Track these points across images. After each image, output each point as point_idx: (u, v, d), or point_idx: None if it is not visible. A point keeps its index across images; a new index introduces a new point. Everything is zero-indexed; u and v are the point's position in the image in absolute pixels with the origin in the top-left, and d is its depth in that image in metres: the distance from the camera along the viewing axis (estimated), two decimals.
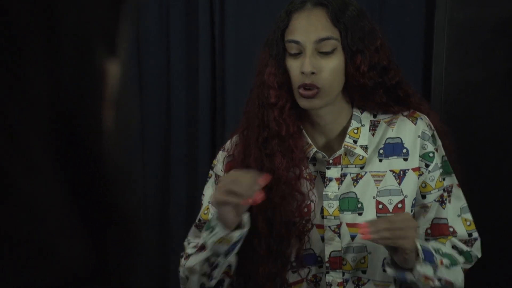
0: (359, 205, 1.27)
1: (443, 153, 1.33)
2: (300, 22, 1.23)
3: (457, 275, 1.27)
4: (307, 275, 1.30)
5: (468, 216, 1.34)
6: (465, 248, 1.32)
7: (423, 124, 1.30)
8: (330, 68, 1.22)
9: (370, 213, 1.26)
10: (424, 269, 1.18)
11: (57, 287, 0.33)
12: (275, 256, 1.28)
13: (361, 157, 1.29)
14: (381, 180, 1.28)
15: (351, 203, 1.27)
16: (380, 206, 1.27)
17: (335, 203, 1.28)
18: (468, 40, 2.04)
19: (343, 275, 1.28)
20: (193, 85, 2.31)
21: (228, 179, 1.18)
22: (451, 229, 1.31)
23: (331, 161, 1.29)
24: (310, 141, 1.30)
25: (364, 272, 1.28)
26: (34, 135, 0.32)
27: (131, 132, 0.42)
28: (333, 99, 1.26)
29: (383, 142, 1.30)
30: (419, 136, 1.29)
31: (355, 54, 1.23)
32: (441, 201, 1.31)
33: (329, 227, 1.28)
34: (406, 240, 1.13)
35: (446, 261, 1.26)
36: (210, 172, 1.40)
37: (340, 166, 1.29)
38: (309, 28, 1.22)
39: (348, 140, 1.29)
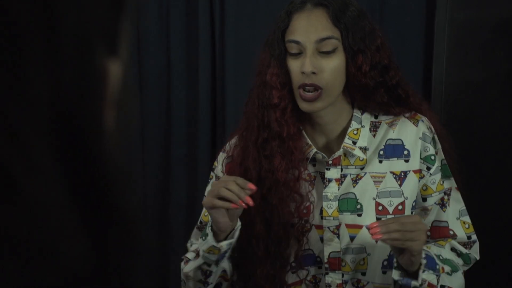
0: (358, 206, 1.27)
1: (443, 156, 1.32)
2: (300, 23, 1.23)
3: (458, 282, 1.27)
4: (306, 276, 1.30)
5: (467, 219, 1.33)
6: (464, 250, 1.32)
7: (424, 126, 1.30)
8: (331, 68, 1.21)
9: (369, 215, 1.26)
10: (428, 275, 1.18)
11: (57, 287, 0.33)
12: (273, 257, 1.27)
13: (361, 158, 1.29)
14: (381, 182, 1.28)
15: (350, 204, 1.27)
16: (380, 207, 1.26)
17: (335, 204, 1.27)
18: (468, 41, 2.04)
19: (342, 276, 1.27)
20: (193, 85, 2.31)
21: (219, 184, 1.18)
22: (451, 232, 1.31)
23: (330, 162, 1.29)
24: (309, 142, 1.30)
25: (363, 274, 1.28)
26: (34, 135, 0.32)
27: (131, 132, 0.42)
28: (334, 99, 1.26)
29: (384, 143, 1.30)
30: (420, 138, 1.29)
31: (357, 54, 1.22)
32: (442, 204, 1.30)
33: (328, 227, 1.27)
34: (415, 242, 1.11)
35: (447, 268, 1.26)
36: (211, 173, 1.40)
37: (339, 167, 1.29)
38: (309, 28, 1.22)
39: (347, 141, 1.28)
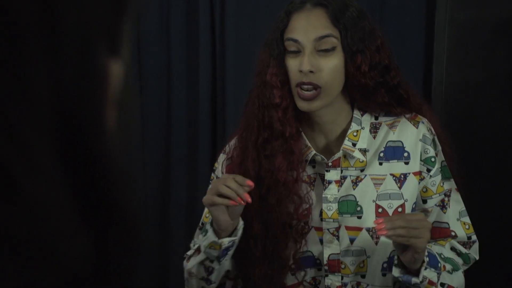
0: (358, 208, 1.26)
1: (443, 158, 1.32)
2: (299, 22, 1.23)
3: (459, 280, 1.27)
4: (303, 278, 1.30)
5: (467, 219, 1.34)
6: (463, 250, 1.32)
7: (424, 128, 1.30)
8: (330, 67, 1.21)
9: (369, 217, 1.26)
10: (428, 273, 1.18)
11: (57, 287, 0.33)
12: (271, 258, 1.27)
13: (361, 160, 1.28)
14: (381, 184, 1.27)
15: (350, 206, 1.27)
16: (380, 210, 1.26)
17: (334, 206, 1.27)
18: (468, 41, 2.04)
19: (342, 278, 1.27)
20: (193, 85, 2.31)
21: (219, 181, 1.19)
22: (453, 233, 1.31)
23: (330, 164, 1.29)
24: (308, 144, 1.30)
25: (363, 276, 1.27)
26: (34, 135, 0.32)
27: (132, 132, 0.42)
28: (333, 99, 1.25)
29: (384, 145, 1.30)
30: (420, 140, 1.29)
31: (355, 54, 1.22)
32: (442, 206, 1.30)
33: (328, 229, 1.27)
34: (420, 239, 1.12)
35: (448, 266, 1.26)
36: (212, 175, 1.40)
37: (339, 168, 1.29)
38: (308, 27, 1.22)
39: (346, 143, 1.28)
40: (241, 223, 1.24)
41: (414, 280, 1.17)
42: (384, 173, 1.28)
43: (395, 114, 1.31)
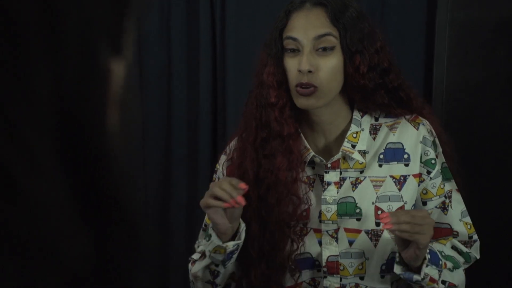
0: (358, 210, 1.26)
1: (443, 159, 1.32)
2: (298, 21, 1.23)
3: (460, 278, 1.27)
4: (298, 279, 1.29)
5: (468, 219, 1.34)
6: (464, 249, 1.32)
7: (424, 130, 1.29)
8: (328, 67, 1.21)
9: (368, 219, 1.26)
10: (430, 270, 1.18)
11: (58, 287, 0.33)
12: (268, 258, 1.27)
13: (360, 162, 1.28)
14: (381, 186, 1.27)
15: (349, 208, 1.26)
16: (379, 212, 1.26)
17: (333, 208, 1.27)
18: (469, 40, 2.04)
19: (341, 280, 1.27)
20: (193, 86, 2.31)
21: (215, 184, 1.19)
22: (454, 233, 1.31)
23: (329, 165, 1.28)
24: (307, 145, 1.29)
25: (362, 278, 1.27)
26: (35, 134, 0.32)
27: (133, 132, 0.42)
28: (331, 99, 1.25)
29: (384, 147, 1.29)
30: (420, 142, 1.28)
31: (354, 54, 1.22)
32: (443, 207, 1.30)
33: (327, 231, 1.27)
34: (423, 235, 1.12)
35: (449, 264, 1.26)
36: (214, 176, 1.40)
37: (339, 170, 1.28)
38: (308, 26, 1.22)
39: (346, 145, 1.28)
40: (242, 226, 1.24)
41: (416, 277, 1.17)
42: (383, 175, 1.28)
43: (395, 115, 1.30)
